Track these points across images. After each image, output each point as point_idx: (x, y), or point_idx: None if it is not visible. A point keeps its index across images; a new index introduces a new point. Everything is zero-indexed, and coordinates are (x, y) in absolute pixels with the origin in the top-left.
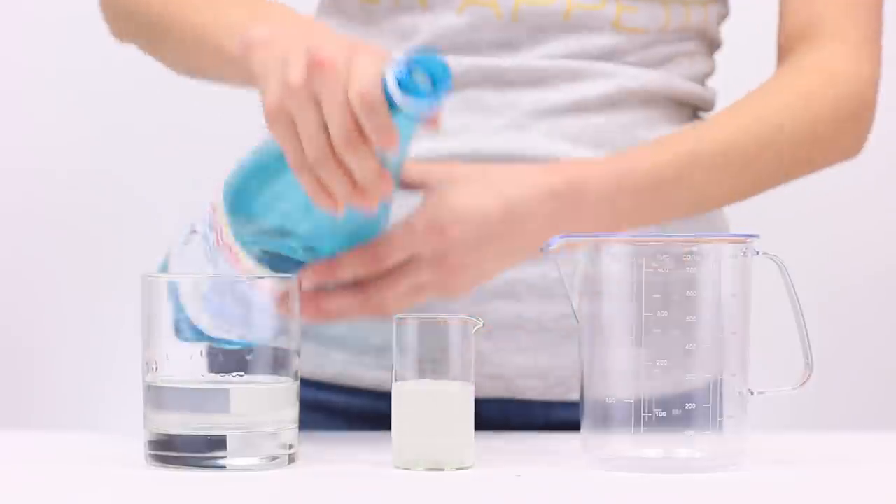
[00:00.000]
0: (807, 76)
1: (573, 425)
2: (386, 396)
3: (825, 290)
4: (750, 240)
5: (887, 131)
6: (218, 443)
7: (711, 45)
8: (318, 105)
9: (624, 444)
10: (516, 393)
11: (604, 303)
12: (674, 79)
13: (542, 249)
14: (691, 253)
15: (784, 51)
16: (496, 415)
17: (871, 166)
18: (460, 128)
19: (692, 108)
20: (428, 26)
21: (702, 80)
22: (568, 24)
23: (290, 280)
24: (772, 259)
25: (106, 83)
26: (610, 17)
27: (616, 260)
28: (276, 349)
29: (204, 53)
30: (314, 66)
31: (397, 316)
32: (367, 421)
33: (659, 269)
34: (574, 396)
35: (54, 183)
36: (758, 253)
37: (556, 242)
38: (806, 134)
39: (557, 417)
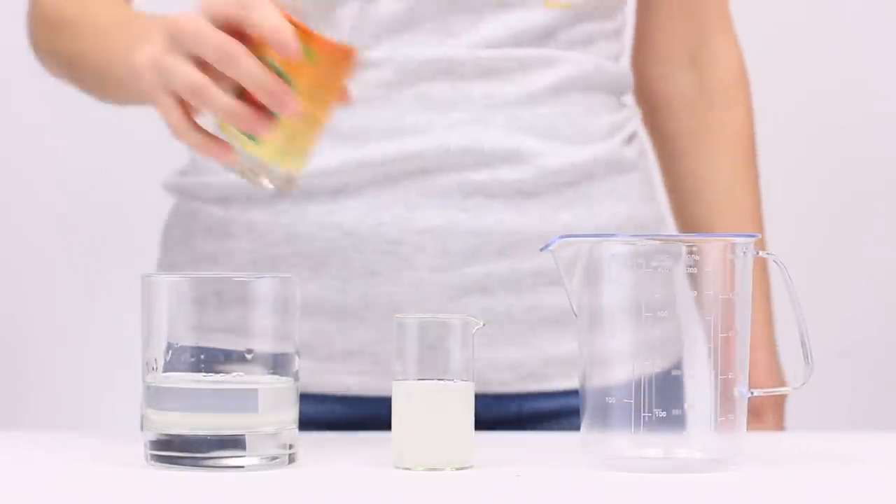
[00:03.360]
0: (730, 98)
1: (545, 416)
2: (356, 402)
3: (825, 290)
4: (750, 240)
5: (887, 132)
6: (218, 443)
7: (622, 25)
8: (193, 62)
9: (624, 444)
10: (488, 387)
11: (603, 302)
12: (603, 63)
13: (542, 249)
14: (691, 253)
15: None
16: None
17: (870, 166)
18: (423, 126)
19: (619, 93)
20: (367, 12)
21: (618, 59)
22: (501, 4)
23: (289, 280)
24: (772, 259)
25: None
26: None
27: (616, 260)
28: (276, 349)
29: (111, 84)
30: (174, 34)
31: (397, 316)
32: (339, 429)
33: (658, 269)
34: (544, 387)
35: (54, 183)
36: (758, 253)
37: (556, 242)
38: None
39: (529, 409)
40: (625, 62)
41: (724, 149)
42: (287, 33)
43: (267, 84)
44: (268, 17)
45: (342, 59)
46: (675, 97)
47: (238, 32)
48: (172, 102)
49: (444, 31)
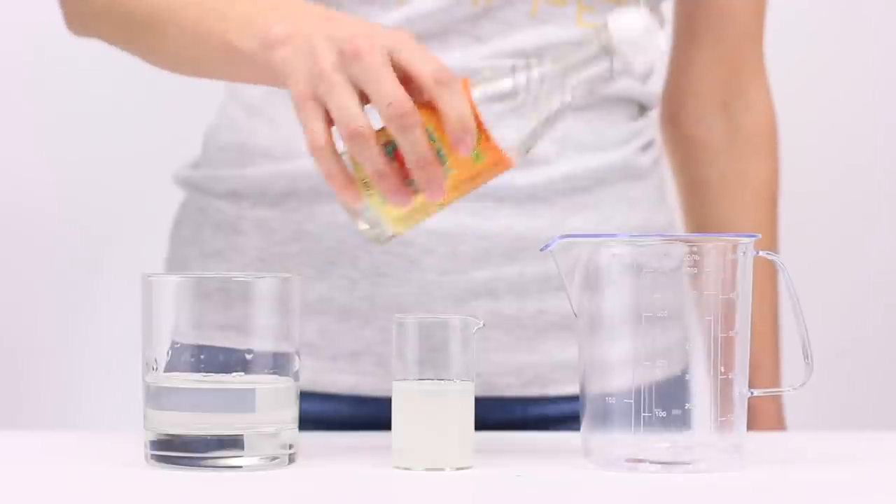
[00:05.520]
0: (755, 150)
1: (550, 420)
2: (363, 402)
3: (825, 290)
4: (750, 240)
5: (887, 133)
6: (218, 443)
7: None
8: (354, 87)
9: (624, 444)
10: (493, 391)
11: (604, 302)
12: (630, 82)
13: (541, 248)
14: (691, 253)
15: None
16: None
17: (870, 167)
18: None
19: (639, 106)
20: (401, 17)
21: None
22: (535, 18)
23: (290, 279)
24: (772, 259)
25: (106, 82)
26: (572, 16)
27: (616, 260)
28: (276, 349)
29: (208, 49)
30: (350, 55)
31: (396, 315)
32: (345, 429)
33: (659, 269)
34: (550, 391)
35: (53, 182)
36: (757, 253)
37: (557, 242)
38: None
39: (535, 414)
40: (653, 84)
41: (751, 200)
42: (471, 133)
43: (428, 164)
44: (457, 106)
45: (500, 166)
46: (706, 142)
47: (408, 78)
48: (321, 120)
49: (473, 39)
